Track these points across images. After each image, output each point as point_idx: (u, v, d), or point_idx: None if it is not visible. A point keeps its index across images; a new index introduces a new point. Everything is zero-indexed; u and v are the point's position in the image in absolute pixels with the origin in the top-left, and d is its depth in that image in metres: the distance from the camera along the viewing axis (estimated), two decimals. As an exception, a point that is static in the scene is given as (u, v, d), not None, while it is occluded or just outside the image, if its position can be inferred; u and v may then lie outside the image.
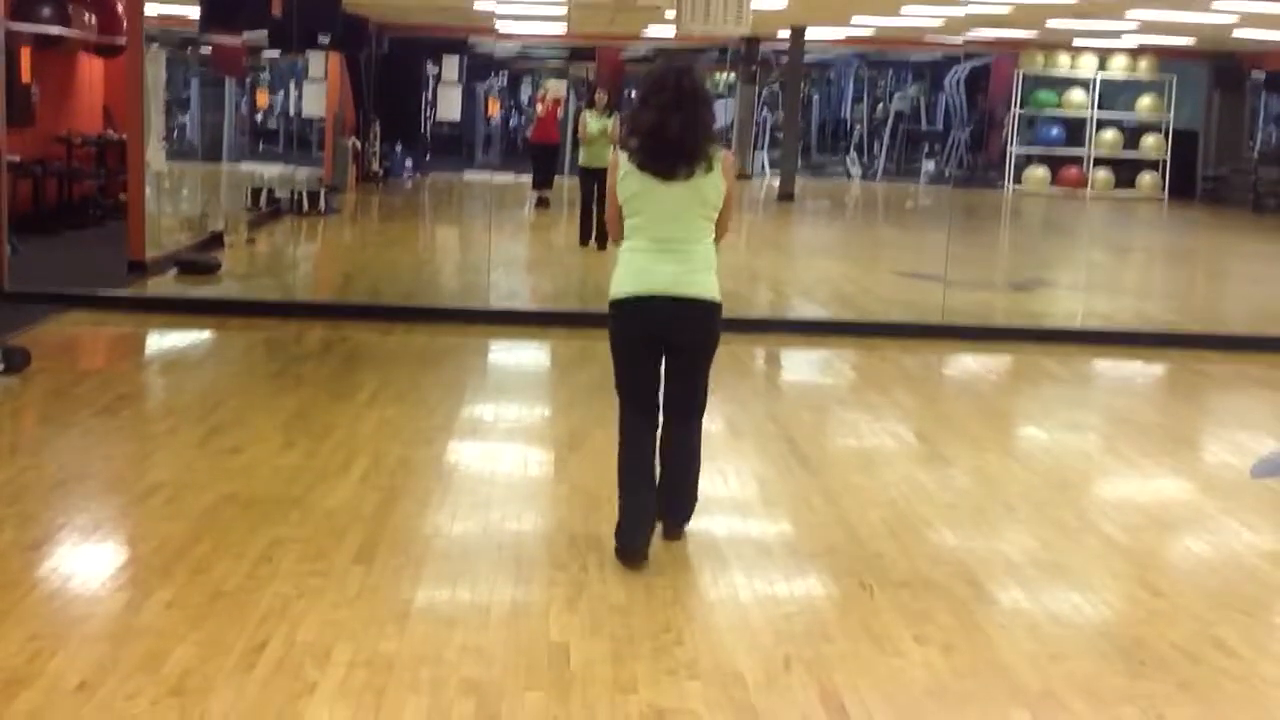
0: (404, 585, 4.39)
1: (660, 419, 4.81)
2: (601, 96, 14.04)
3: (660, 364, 4.76)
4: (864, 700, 3.69)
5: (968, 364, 9.00)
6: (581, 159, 13.76)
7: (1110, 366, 9.10)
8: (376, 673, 3.71)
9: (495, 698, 3.60)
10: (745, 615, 4.29)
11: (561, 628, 4.10)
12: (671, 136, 4.57)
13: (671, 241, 4.63)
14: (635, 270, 4.66)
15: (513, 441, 6.53)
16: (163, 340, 8.92)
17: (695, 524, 5.22)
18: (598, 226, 13.27)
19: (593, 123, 13.64)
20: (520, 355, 8.93)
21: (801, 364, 9.16)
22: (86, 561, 4.60)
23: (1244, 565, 5.02)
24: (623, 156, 4.69)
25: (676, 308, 4.63)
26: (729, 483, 5.82)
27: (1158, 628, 4.31)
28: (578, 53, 27.12)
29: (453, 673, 3.74)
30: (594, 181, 13.18)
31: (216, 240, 12.67)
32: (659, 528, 4.84)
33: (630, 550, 4.63)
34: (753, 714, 3.59)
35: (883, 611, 4.35)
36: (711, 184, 4.64)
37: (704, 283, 4.66)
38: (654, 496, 4.78)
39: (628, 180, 4.66)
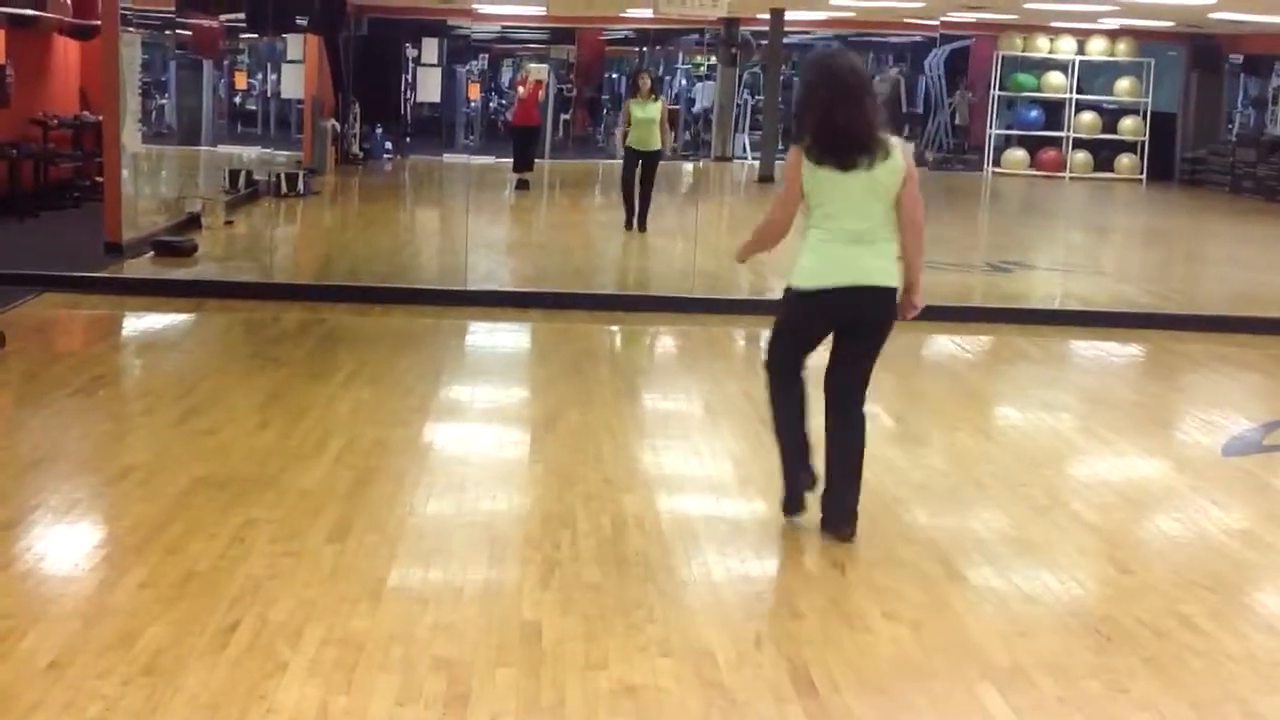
0: (377, 565, 4.40)
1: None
2: (645, 81, 14.17)
3: (817, 346, 4.86)
4: (833, 676, 3.72)
5: (943, 344, 9.03)
6: (629, 140, 13.84)
7: (1085, 347, 9.15)
8: (348, 651, 3.73)
9: (466, 675, 3.62)
10: (717, 593, 4.32)
11: (534, 606, 4.12)
12: (843, 128, 4.55)
13: (858, 232, 4.62)
14: (826, 261, 4.67)
15: (488, 422, 6.54)
16: (139, 322, 8.90)
17: (668, 502, 5.26)
18: (628, 200, 13.75)
19: (638, 111, 13.74)
20: (497, 337, 8.93)
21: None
22: (60, 541, 4.60)
23: (1212, 543, 5.07)
24: (799, 151, 4.65)
25: (865, 295, 4.65)
26: (703, 461, 5.85)
27: (1125, 604, 4.35)
28: (558, 35, 27.04)
29: (424, 651, 3.76)
30: (638, 162, 13.63)
31: (194, 222, 12.61)
32: (816, 530, 4.86)
33: (800, 505, 4.89)
34: (722, 691, 3.62)
35: (853, 589, 4.39)
36: (889, 171, 4.60)
37: (889, 270, 4.68)
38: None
39: (808, 175, 4.63)
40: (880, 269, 4.65)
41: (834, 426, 4.84)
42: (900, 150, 4.64)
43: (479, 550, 4.59)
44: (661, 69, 27.21)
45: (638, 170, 13.66)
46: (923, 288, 4.84)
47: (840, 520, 4.80)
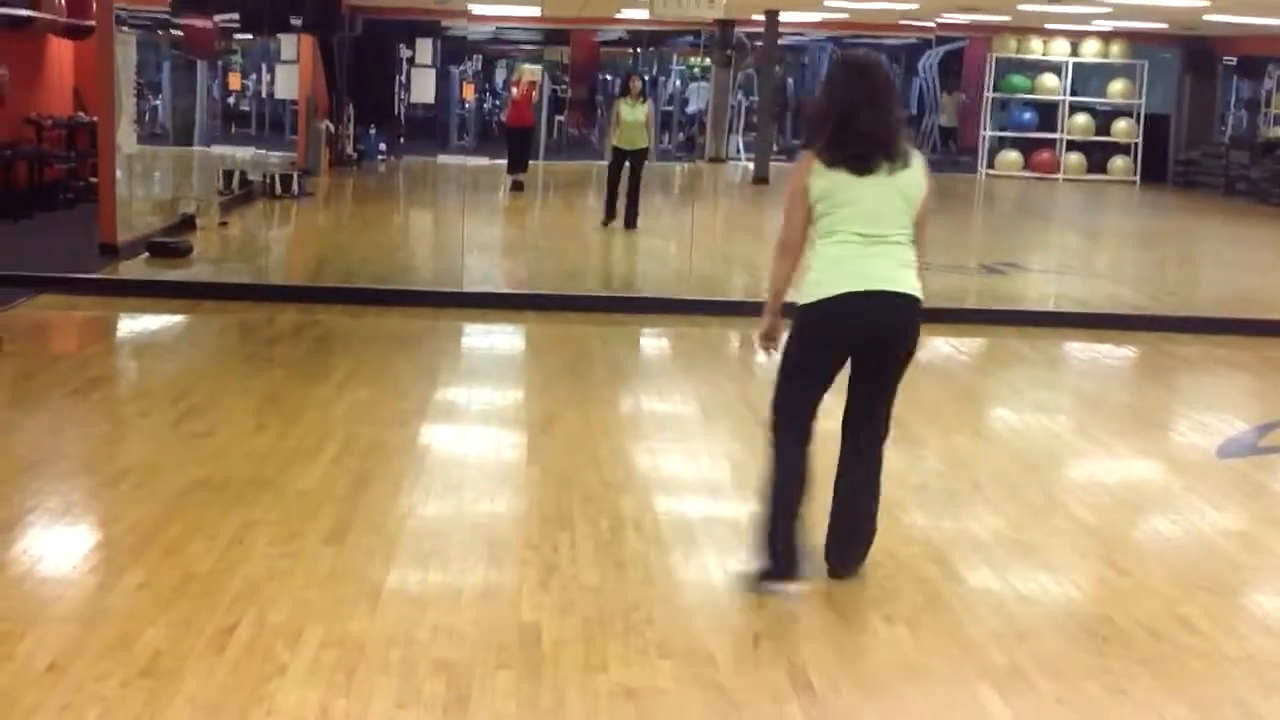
0: (375, 566, 4.40)
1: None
2: (636, 84, 14.40)
3: (829, 385, 4.39)
4: (831, 677, 3.73)
5: (939, 346, 9.03)
6: (615, 140, 14.09)
7: (1081, 349, 9.16)
8: (347, 653, 3.73)
9: (466, 678, 3.62)
10: (716, 595, 4.32)
11: (533, 608, 4.12)
12: (864, 130, 4.27)
13: (873, 239, 4.29)
14: (835, 268, 4.29)
15: (486, 424, 6.54)
16: (134, 323, 8.89)
17: (666, 504, 5.26)
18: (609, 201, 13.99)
19: (626, 111, 13.96)
20: (493, 338, 8.93)
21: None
22: (57, 544, 4.59)
23: (1209, 544, 5.08)
24: (809, 154, 4.36)
25: (883, 303, 4.27)
26: (701, 463, 5.85)
27: (1123, 605, 4.36)
28: (552, 36, 27.05)
29: (423, 653, 3.76)
30: (624, 161, 13.89)
31: (188, 223, 12.60)
32: (820, 567, 4.47)
33: (798, 575, 4.35)
34: (721, 692, 3.62)
35: (851, 590, 4.39)
36: (910, 181, 4.32)
37: (910, 280, 4.31)
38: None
39: (817, 179, 4.30)
40: (900, 275, 4.30)
41: (849, 465, 4.47)
42: (920, 164, 4.39)
43: (477, 552, 4.59)
44: (655, 70, 27.23)
45: (625, 169, 13.89)
46: None
47: (848, 557, 4.48)
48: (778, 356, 4.45)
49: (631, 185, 13.89)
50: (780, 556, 4.33)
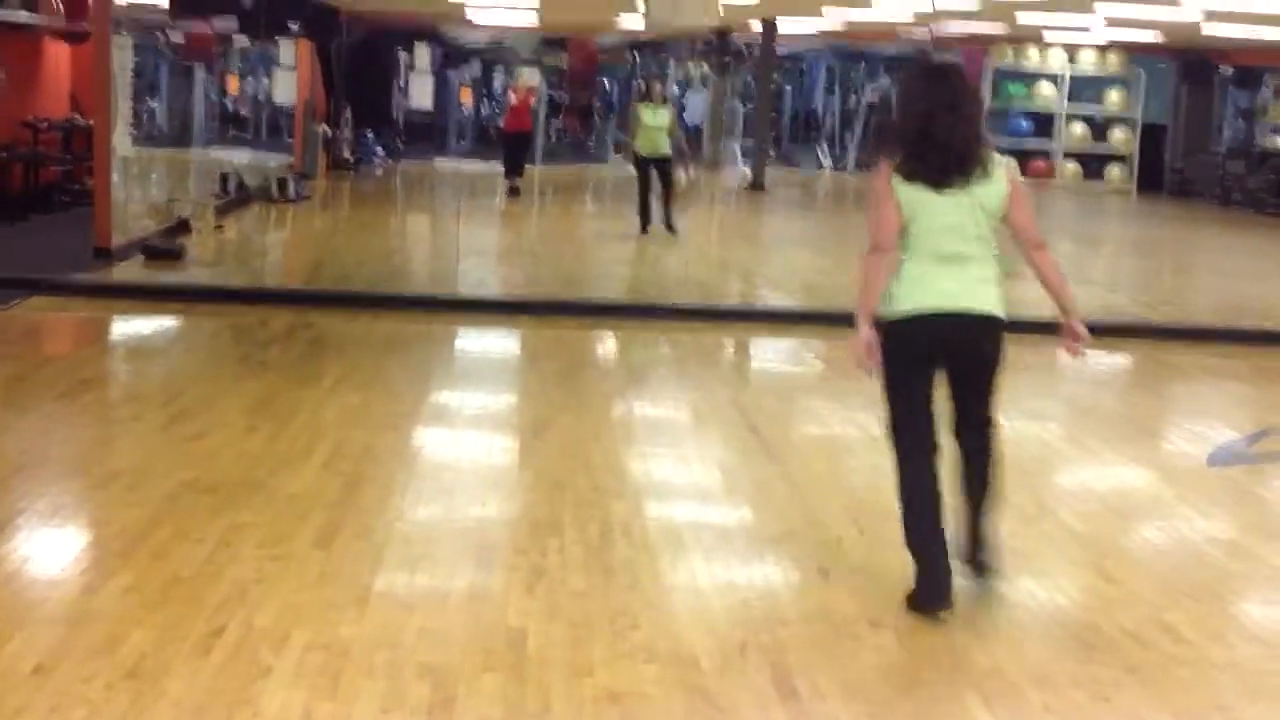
0: (364, 570, 4.40)
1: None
2: (656, 87, 14.45)
3: (932, 390, 4.32)
4: (816, 683, 3.73)
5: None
6: (637, 148, 14.03)
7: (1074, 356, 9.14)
8: (333, 657, 3.73)
9: (451, 681, 3.62)
10: (703, 600, 4.32)
11: (520, 612, 4.12)
12: (942, 141, 4.16)
13: (950, 256, 4.21)
14: (917, 286, 4.22)
15: (478, 428, 6.54)
16: (127, 326, 8.89)
17: (656, 509, 5.26)
18: (642, 210, 13.91)
19: (647, 115, 13.90)
20: (487, 343, 8.94)
21: (769, 353, 9.19)
22: (45, 546, 4.59)
23: (1197, 552, 5.09)
24: (888, 165, 4.26)
25: (965, 324, 4.22)
26: (691, 469, 5.86)
27: (1110, 613, 4.36)
28: (550, 42, 27.08)
29: (410, 656, 3.76)
30: (650, 169, 13.82)
31: (184, 226, 12.61)
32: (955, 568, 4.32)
33: (944, 605, 4.24)
34: (706, 697, 3.62)
35: (839, 596, 4.39)
36: (991, 192, 4.21)
37: (991, 297, 4.25)
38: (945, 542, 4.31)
39: (898, 190, 4.22)
40: (977, 294, 4.23)
41: (966, 462, 4.39)
42: (1004, 168, 4.27)
43: (466, 556, 4.59)
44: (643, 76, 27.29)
45: (653, 176, 13.82)
46: (1079, 314, 4.50)
47: (988, 561, 4.39)
48: (878, 376, 4.34)
49: (665, 191, 13.84)
50: (928, 572, 4.24)
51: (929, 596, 4.22)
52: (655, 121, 13.84)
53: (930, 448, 4.30)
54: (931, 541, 4.25)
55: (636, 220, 14.02)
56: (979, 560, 4.41)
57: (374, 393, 6.96)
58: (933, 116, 4.17)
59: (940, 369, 4.31)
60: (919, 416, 4.31)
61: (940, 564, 4.23)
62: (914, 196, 4.21)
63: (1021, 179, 4.40)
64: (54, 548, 4.59)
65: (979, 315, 4.23)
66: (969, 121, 4.21)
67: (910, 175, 4.20)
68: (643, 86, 15.60)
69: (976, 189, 4.20)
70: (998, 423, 4.45)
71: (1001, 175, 4.25)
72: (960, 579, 4.30)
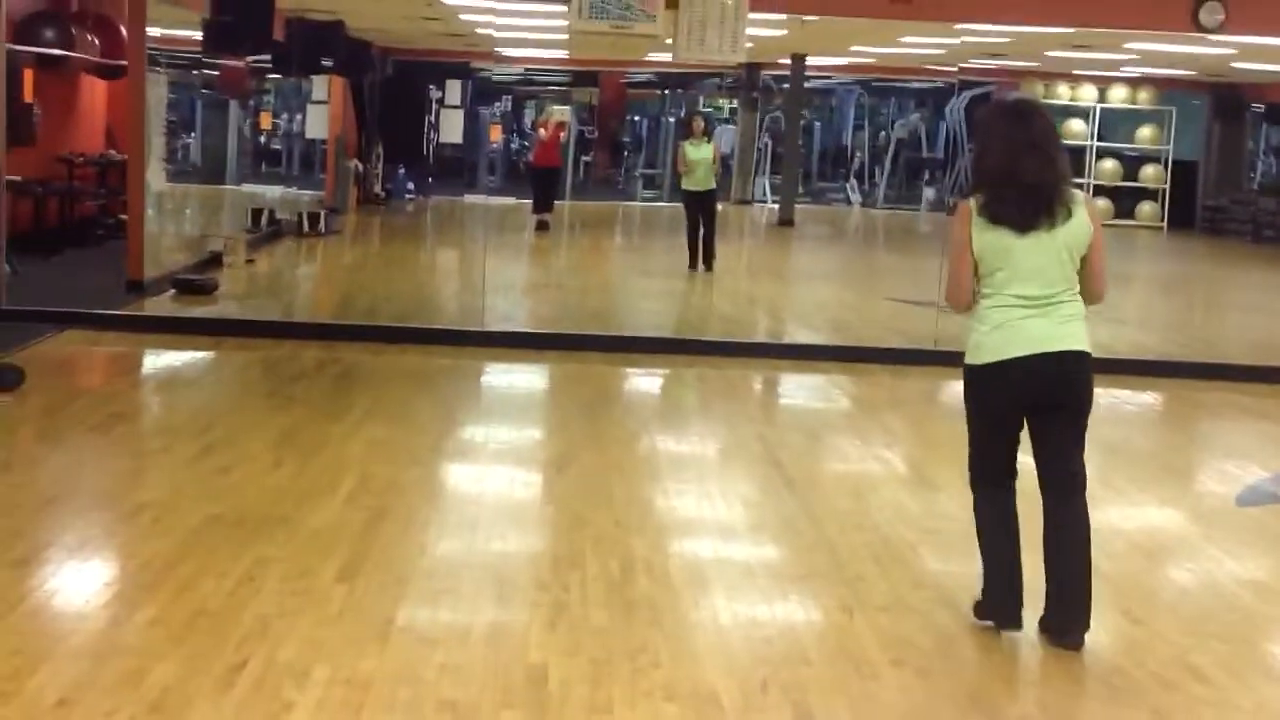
0: (386, 605, 4.41)
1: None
2: (697, 122, 14.55)
3: (1018, 434, 4.32)
4: (838, 723, 3.71)
5: (958, 390, 9.00)
6: (684, 184, 14.21)
7: (1102, 394, 8.99)
8: (354, 692, 3.74)
9: (472, 717, 3.63)
10: (724, 637, 4.32)
11: (541, 648, 4.12)
12: (1027, 182, 4.11)
13: (1036, 300, 4.17)
14: (1002, 331, 4.19)
15: (501, 463, 6.56)
16: (158, 359, 8.97)
17: (679, 545, 5.25)
18: (691, 245, 13.95)
19: (691, 152, 14.06)
20: (513, 377, 8.96)
21: (794, 388, 9.18)
22: (72, 578, 4.62)
23: (1224, 593, 5.04)
24: (970, 206, 4.21)
25: (1051, 365, 4.17)
26: (715, 505, 5.85)
27: (1135, 655, 4.33)
28: (580, 77, 27.25)
29: (431, 692, 3.77)
30: (699, 207, 13.95)
31: (215, 260, 12.73)
32: (1039, 636, 4.35)
33: (1015, 623, 4.34)
34: (727, 736, 3.61)
35: (861, 635, 4.37)
36: (1074, 232, 4.16)
37: (1077, 334, 4.23)
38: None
39: (980, 234, 4.18)
40: (1066, 334, 4.19)
41: (1054, 525, 4.30)
42: (1085, 208, 4.21)
43: (488, 591, 4.60)
44: (682, 111, 27.38)
45: (700, 212, 13.91)
46: None
47: (1068, 626, 4.28)
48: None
49: (707, 227, 13.92)
50: (999, 607, 4.34)
51: (1001, 618, 4.34)
52: (699, 155, 14.00)
53: (1008, 484, 4.36)
54: (1007, 579, 4.31)
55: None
56: (1065, 636, 4.30)
57: (399, 427, 6.99)
58: (1016, 158, 4.12)
59: (1028, 417, 4.28)
60: (999, 457, 4.34)
61: (1010, 596, 4.31)
62: (997, 241, 4.17)
63: (1100, 222, 4.31)
64: (80, 580, 4.62)
65: (1065, 354, 4.20)
66: (1055, 161, 4.17)
67: (994, 219, 4.16)
68: (684, 123, 15.74)
69: (1062, 229, 4.16)
70: (1086, 480, 4.35)
71: (1083, 214, 4.20)
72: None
